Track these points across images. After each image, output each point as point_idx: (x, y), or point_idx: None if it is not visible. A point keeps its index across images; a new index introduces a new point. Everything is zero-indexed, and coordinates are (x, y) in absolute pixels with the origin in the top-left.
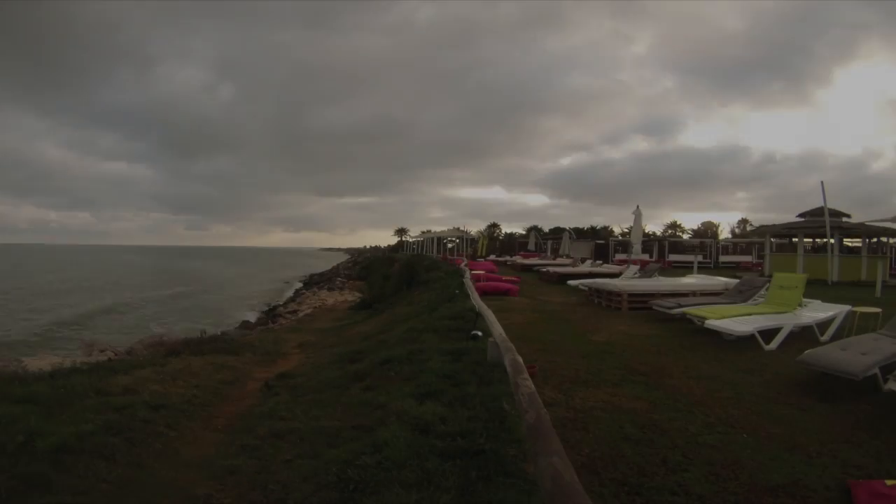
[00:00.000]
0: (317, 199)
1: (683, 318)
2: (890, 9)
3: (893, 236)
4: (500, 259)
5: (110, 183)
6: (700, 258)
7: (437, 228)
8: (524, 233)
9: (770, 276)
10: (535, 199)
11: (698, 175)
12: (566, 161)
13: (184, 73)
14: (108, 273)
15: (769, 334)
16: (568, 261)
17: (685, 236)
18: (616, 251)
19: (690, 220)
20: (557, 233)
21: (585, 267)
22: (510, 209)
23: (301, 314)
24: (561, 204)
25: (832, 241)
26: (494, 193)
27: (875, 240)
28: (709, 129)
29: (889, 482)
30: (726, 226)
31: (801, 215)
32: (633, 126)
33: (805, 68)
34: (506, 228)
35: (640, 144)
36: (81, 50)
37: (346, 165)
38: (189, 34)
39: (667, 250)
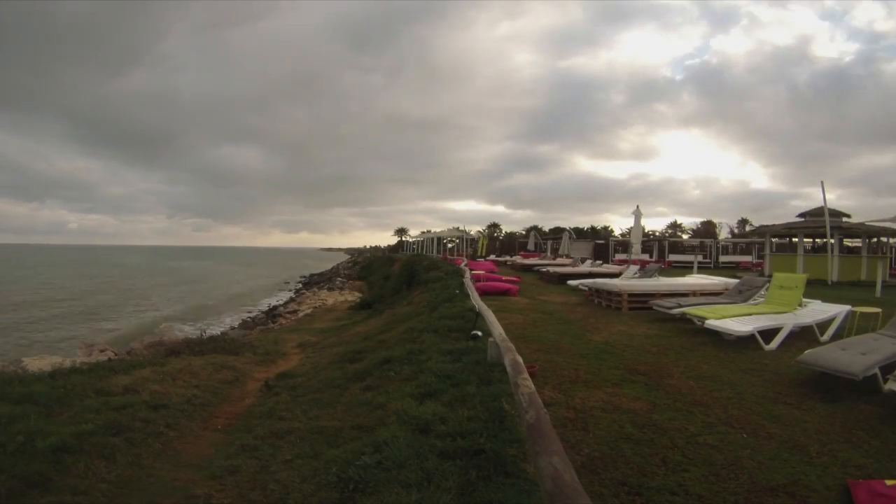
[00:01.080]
0: (311, 210)
1: (683, 318)
2: None
3: (893, 236)
4: (500, 259)
5: (146, 194)
6: (700, 258)
7: (437, 229)
8: (524, 233)
9: (770, 276)
10: (497, 209)
11: (605, 191)
12: (501, 183)
13: (238, 153)
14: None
15: (769, 334)
16: (568, 261)
17: (685, 236)
18: (616, 251)
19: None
20: (557, 233)
21: (585, 267)
22: (481, 215)
23: (301, 314)
24: (511, 211)
25: (832, 241)
26: (469, 205)
27: (875, 240)
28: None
29: (889, 482)
30: (617, 226)
31: (801, 215)
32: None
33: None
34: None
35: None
36: (168, 150)
37: (332, 191)
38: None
39: (667, 250)
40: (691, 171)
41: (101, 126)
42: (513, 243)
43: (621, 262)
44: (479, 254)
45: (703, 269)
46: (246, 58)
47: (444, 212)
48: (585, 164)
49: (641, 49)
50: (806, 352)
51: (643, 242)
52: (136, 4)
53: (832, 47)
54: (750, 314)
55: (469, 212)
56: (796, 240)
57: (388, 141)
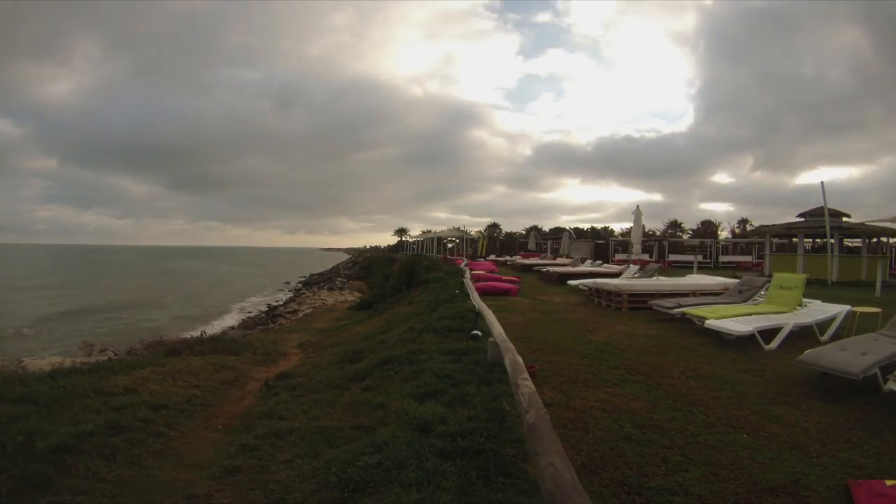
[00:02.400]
0: (310, 216)
1: (683, 318)
2: None
3: (893, 236)
4: (500, 259)
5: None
6: (700, 258)
7: (437, 228)
8: (524, 233)
9: (770, 276)
10: (463, 218)
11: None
12: (457, 202)
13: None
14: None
15: (769, 334)
16: (568, 261)
17: (685, 236)
18: (616, 251)
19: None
20: (557, 233)
21: (585, 267)
22: (455, 221)
23: (301, 314)
24: (473, 219)
25: (832, 241)
26: (447, 213)
27: (875, 240)
28: None
29: (889, 482)
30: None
31: (801, 215)
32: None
33: None
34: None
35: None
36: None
37: (329, 206)
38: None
39: (667, 250)
40: (600, 196)
41: (185, 179)
42: (513, 243)
43: (621, 262)
44: (479, 254)
45: (703, 269)
46: (270, 157)
47: (430, 218)
48: (514, 192)
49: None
50: (806, 352)
51: (643, 242)
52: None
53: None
54: (750, 314)
55: (448, 218)
56: (796, 240)
57: (358, 186)
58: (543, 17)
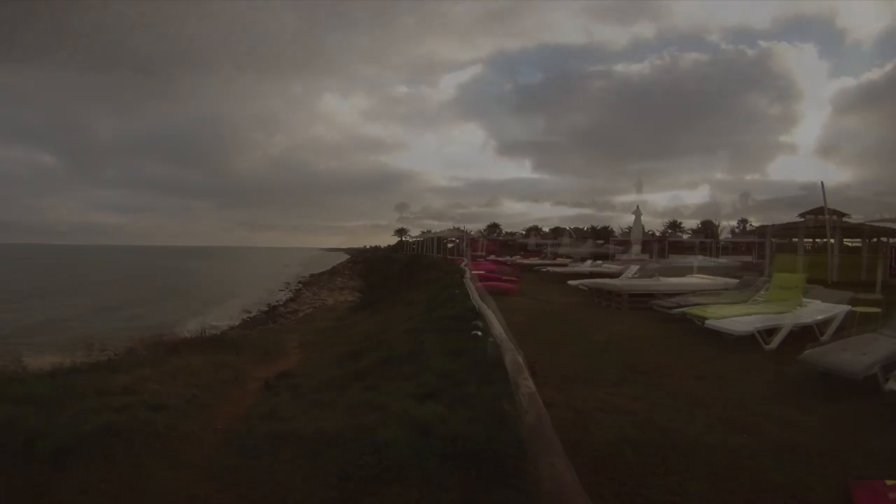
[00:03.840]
0: (309, 217)
1: (683, 318)
2: None
3: (893, 236)
4: (500, 259)
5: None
6: (700, 258)
7: (437, 229)
8: (524, 233)
9: (770, 276)
10: (446, 223)
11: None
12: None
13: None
14: None
15: (769, 334)
16: (568, 261)
17: (685, 236)
18: (616, 251)
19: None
20: (558, 233)
21: (585, 267)
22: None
23: (301, 314)
24: (459, 224)
25: (832, 241)
26: (431, 219)
27: (875, 240)
28: None
29: (889, 482)
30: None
31: (801, 215)
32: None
33: None
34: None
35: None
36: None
37: (327, 214)
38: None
39: (667, 250)
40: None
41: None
42: (513, 243)
43: (621, 263)
44: (478, 253)
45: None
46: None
47: (421, 223)
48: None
49: None
50: (806, 351)
51: (643, 242)
52: None
53: None
54: (750, 314)
55: (432, 223)
56: (796, 240)
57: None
58: None
